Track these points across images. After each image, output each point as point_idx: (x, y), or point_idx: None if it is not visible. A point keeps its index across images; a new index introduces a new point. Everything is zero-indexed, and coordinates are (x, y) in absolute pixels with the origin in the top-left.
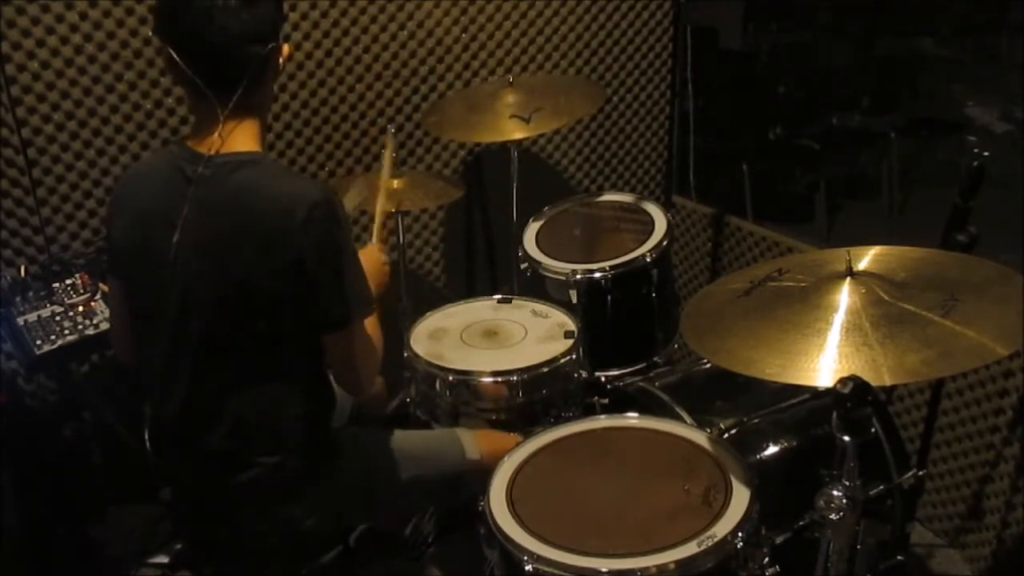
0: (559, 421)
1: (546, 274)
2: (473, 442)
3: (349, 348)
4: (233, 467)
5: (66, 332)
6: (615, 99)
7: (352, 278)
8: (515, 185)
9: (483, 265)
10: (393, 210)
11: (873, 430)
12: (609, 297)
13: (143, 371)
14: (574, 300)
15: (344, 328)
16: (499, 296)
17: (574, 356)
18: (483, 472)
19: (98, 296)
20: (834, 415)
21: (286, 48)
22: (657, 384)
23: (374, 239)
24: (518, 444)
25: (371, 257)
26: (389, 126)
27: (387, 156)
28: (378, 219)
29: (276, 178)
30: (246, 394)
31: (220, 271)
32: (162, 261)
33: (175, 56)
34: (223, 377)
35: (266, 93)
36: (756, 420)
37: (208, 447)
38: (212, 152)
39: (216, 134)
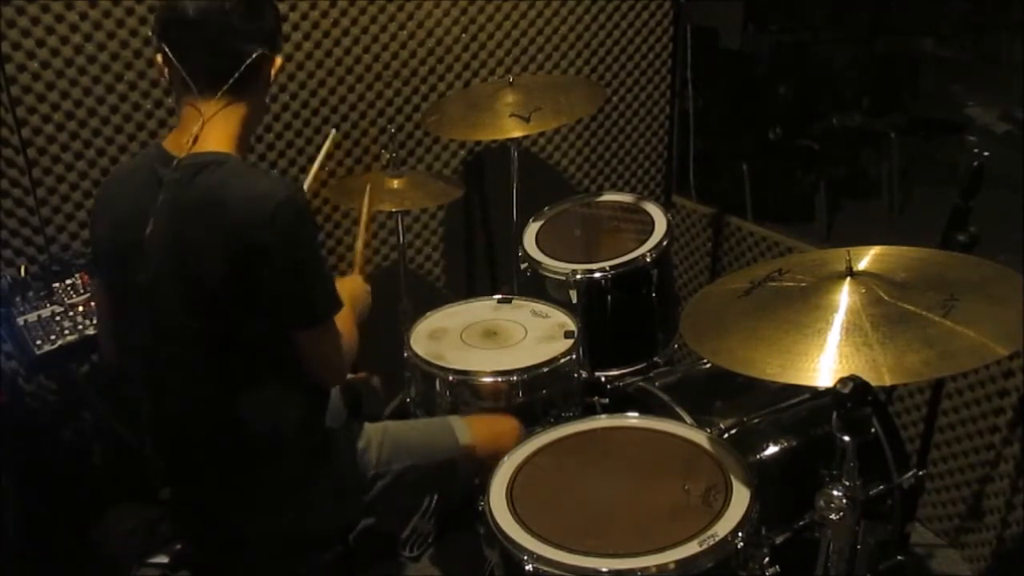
0: (559, 421)
1: (546, 274)
2: (465, 428)
3: (321, 344)
4: (231, 468)
5: (66, 332)
6: (615, 99)
7: (320, 275)
8: (515, 185)
9: (483, 265)
10: (380, 210)
11: (873, 430)
12: (609, 297)
13: (133, 374)
14: (574, 300)
15: (315, 325)
16: (499, 296)
17: (574, 356)
18: (477, 457)
19: None
20: (834, 415)
21: (279, 61)
22: (657, 384)
23: (355, 269)
24: (518, 435)
25: (353, 285)
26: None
27: (366, 199)
28: (359, 252)
29: (241, 177)
30: (240, 396)
31: (192, 272)
32: (137, 264)
33: (168, 52)
34: (215, 380)
35: (252, 100)
36: (756, 420)
37: (205, 448)
38: (184, 152)
39: (191, 131)
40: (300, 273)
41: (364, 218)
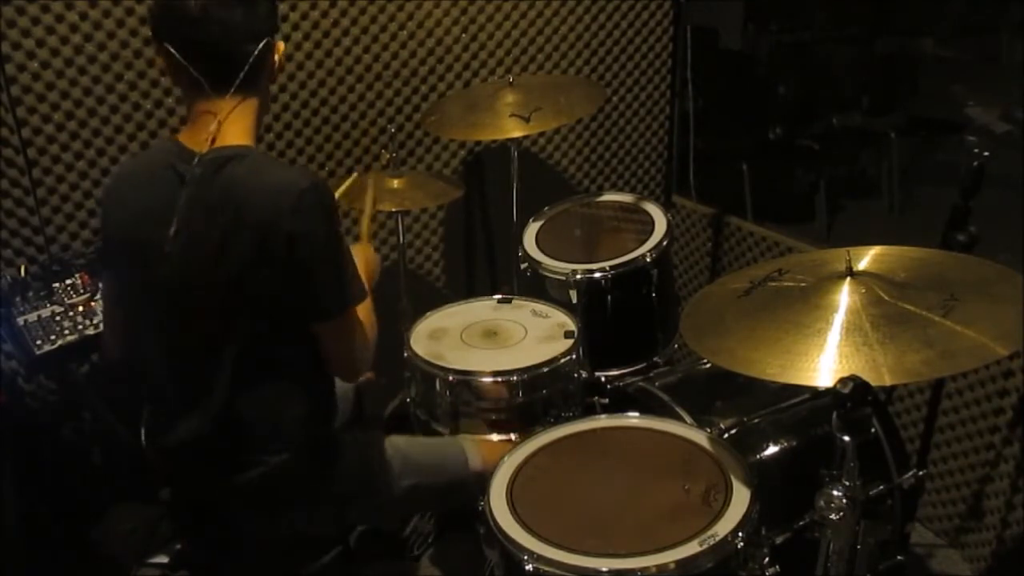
0: (559, 421)
1: (546, 274)
2: (476, 452)
3: (345, 335)
4: (234, 467)
5: (66, 332)
6: (615, 99)
7: (344, 265)
8: (515, 185)
9: (483, 265)
10: (380, 210)
11: (873, 430)
12: (609, 297)
13: (140, 370)
14: (574, 300)
15: (339, 316)
16: (499, 296)
17: (574, 356)
18: (486, 482)
19: (98, 296)
20: (834, 415)
21: (281, 45)
22: (657, 384)
23: (363, 239)
24: (518, 444)
25: (362, 252)
26: (363, 169)
27: (370, 194)
28: (366, 219)
29: (264, 169)
30: (247, 393)
31: (216, 267)
32: (157, 260)
33: (172, 51)
34: (224, 376)
35: (262, 90)
36: (756, 420)
37: (209, 447)
38: (204, 148)
39: (209, 129)
40: (327, 261)
41: (371, 191)
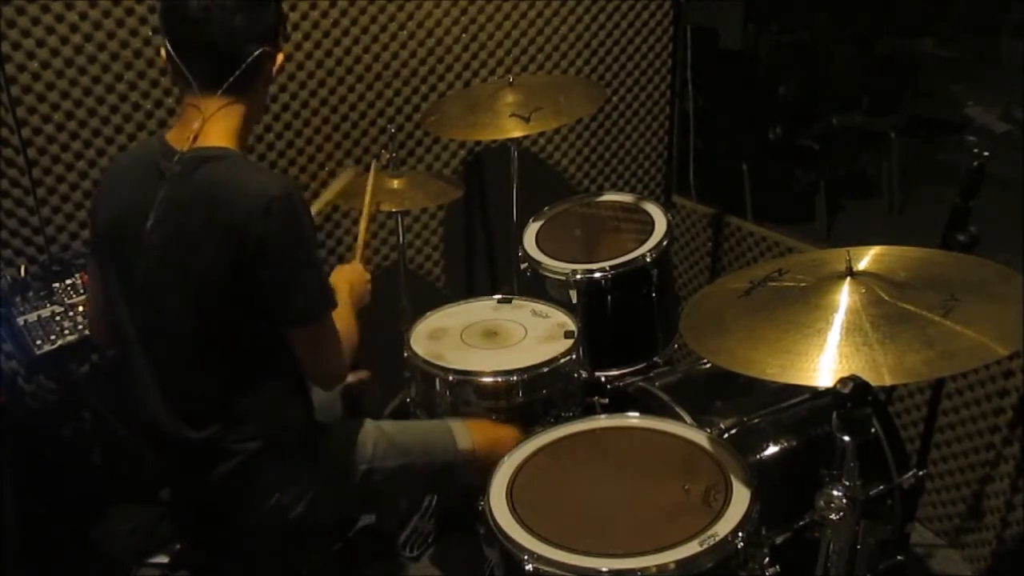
0: (559, 421)
1: (546, 274)
2: (465, 432)
3: (317, 342)
4: (214, 459)
5: (66, 332)
6: (615, 99)
7: (313, 272)
8: (515, 185)
9: (483, 265)
10: (381, 210)
11: (873, 430)
12: (609, 297)
13: (125, 366)
14: (574, 300)
15: (311, 323)
16: (499, 296)
17: (574, 356)
18: (476, 462)
19: None
20: (834, 415)
21: (281, 57)
22: (657, 384)
23: (357, 258)
24: (518, 444)
25: (355, 273)
26: (375, 161)
27: (370, 185)
28: (361, 240)
29: (240, 172)
30: (220, 385)
31: (188, 265)
32: (135, 255)
33: (169, 47)
34: (203, 374)
35: (253, 97)
36: (756, 420)
37: (188, 441)
38: (186, 147)
39: (192, 127)
40: (293, 269)
41: (366, 208)
